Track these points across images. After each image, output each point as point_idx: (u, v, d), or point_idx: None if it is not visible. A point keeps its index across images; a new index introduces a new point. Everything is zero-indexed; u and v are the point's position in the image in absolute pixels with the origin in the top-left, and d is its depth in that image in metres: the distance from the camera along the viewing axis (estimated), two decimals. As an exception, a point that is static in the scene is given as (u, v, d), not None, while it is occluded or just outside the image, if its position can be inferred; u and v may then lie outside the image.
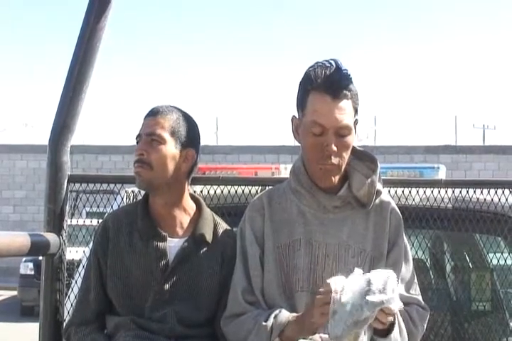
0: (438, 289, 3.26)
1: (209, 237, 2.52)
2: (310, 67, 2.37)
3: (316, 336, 2.22)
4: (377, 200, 2.42)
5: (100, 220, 2.63)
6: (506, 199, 2.87)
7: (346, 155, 2.35)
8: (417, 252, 3.01)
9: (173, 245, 2.49)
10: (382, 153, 17.92)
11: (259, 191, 2.81)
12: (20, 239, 2.41)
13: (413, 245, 2.89)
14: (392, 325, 2.16)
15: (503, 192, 2.85)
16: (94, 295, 2.51)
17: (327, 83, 2.30)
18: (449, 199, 2.92)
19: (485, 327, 3.10)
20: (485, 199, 2.90)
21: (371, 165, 2.43)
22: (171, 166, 2.49)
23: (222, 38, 47.90)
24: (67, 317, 2.74)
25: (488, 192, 2.86)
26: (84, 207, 3.39)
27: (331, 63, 2.33)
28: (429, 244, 3.13)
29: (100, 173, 14.17)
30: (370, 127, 24.45)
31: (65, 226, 2.73)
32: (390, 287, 2.03)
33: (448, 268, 3.38)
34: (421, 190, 2.87)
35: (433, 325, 2.98)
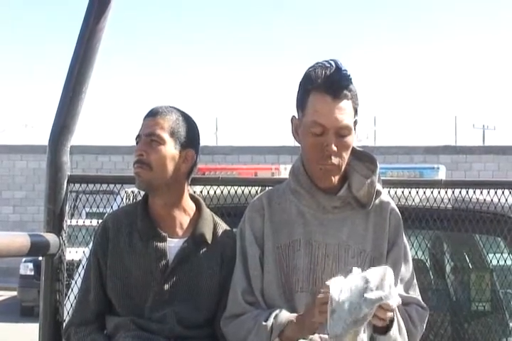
0: (438, 289, 3.27)
1: (209, 238, 2.52)
2: (310, 68, 2.37)
3: (316, 336, 2.22)
4: (376, 201, 2.42)
5: (100, 221, 2.63)
6: (506, 200, 2.87)
7: (346, 155, 2.36)
8: (416, 252, 3.01)
9: (172, 245, 2.49)
10: (382, 153, 17.92)
11: (258, 191, 2.81)
12: (20, 240, 2.41)
13: (413, 245, 2.89)
14: (391, 322, 2.17)
15: (503, 192, 2.85)
16: (93, 295, 2.51)
17: (327, 83, 2.30)
18: (449, 199, 2.92)
19: (485, 327, 3.10)
20: (485, 200, 2.90)
21: (371, 165, 2.43)
22: (170, 167, 2.49)
23: (222, 38, 47.93)
24: (66, 317, 2.74)
25: (488, 192, 2.86)
26: (84, 207, 3.40)
27: (330, 63, 2.34)
28: (428, 245, 3.14)
29: (100, 174, 14.18)
30: (369, 127, 24.47)
31: (64, 226, 2.73)
32: (388, 283, 2.03)
33: (448, 268, 3.38)
34: (421, 191, 2.87)
35: (433, 326, 2.98)
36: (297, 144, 2.43)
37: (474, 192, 2.89)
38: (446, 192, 2.88)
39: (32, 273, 13.21)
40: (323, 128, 2.30)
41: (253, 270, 2.39)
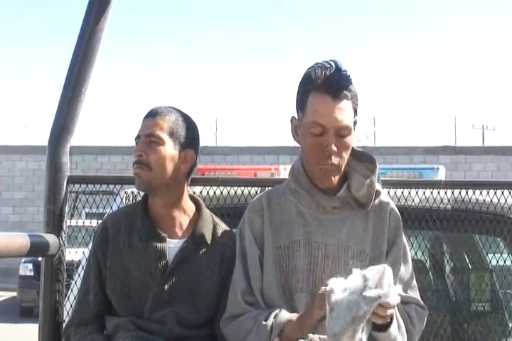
0: (437, 290, 3.27)
1: (208, 238, 2.52)
2: (310, 68, 2.37)
3: (315, 336, 2.22)
4: (376, 201, 2.42)
5: (100, 221, 2.63)
6: (506, 200, 2.87)
7: (346, 155, 2.36)
8: (416, 253, 3.01)
9: (172, 246, 2.49)
10: (382, 153, 17.92)
11: (258, 192, 2.81)
12: (20, 240, 2.41)
13: (412, 246, 2.89)
14: (391, 319, 2.17)
15: (503, 193, 2.85)
16: (93, 295, 2.51)
17: (327, 83, 2.30)
18: (449, 200, 2.92)
19: (484, 327, 3.10)
20: (484, 200, 2.90)
21: (370, 165, 2.43)
22: (170, 167, 2.49)
23: (222, 38, 47.94)
24: (66, 317, 2.74)
25: (488, 193, 2.86)
26: (83, 207, 3.40)
27: (330, 64, 2.34)
28: (428, 245, 3.14)
29: (100, 174, 14.17)
30: (369, 128, 24.48)
31: (64, 227, 2.73)
32: (387, 282, 2.04)
33: (447, 268, 3.38)
34: (420, 191, 2.87)
35: (432, 326, 2.98)
36: (297, 144, 2.43)
37: (474, 192, 2.89)
38: (445, 193, 2.88)
39: (32, 273, 13.21)
40: (323, 129, 2.30)
41: (253, 270, 2.39)
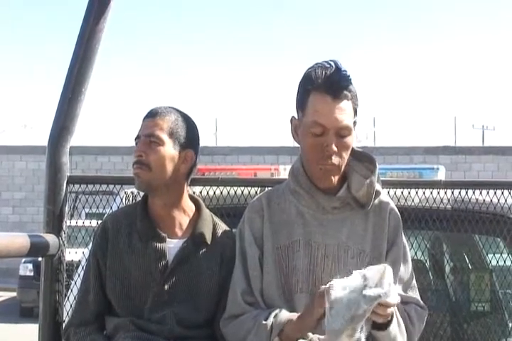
0: (437, 290, 3.27)
1: (208, 238, 2.52)
2: (310, 68, 2.37)
3: (315, 336, 2.22)
4: (376, 201, 2.42)
5: (99, 221, 2.63)
6: (505, 200, 2.87)
7: (346, 155, 2.36)
8: (416, 253, 3.01)
9: (172, 246, 2.49)
10: (382, 154, 17.93)
11: (258, 192, 2.81)
12: (20, 240, 2.42)
13: (412, 246, 2.89)
14: (391, 317, 2.17)
15: (503, 193, 2.85)
16: (93, 296, 2.51)
17: (327, 83, 2.31)
18: (449, 200, 2.92)
19: (484, 327, 3.10)
20: (484, 200, 2.90)
21: (370, 165, 2.43)
22: (169, 167, 2.49)
23: (222, 38, 47.93)
24: (66, 318, 2.74)
25: (488, 193, 2.86)
26: (83, 208, 3.40)
27: (330, 64, 2.34)
28: (428, 245, 3.14)
29: (99, 174, 14.17)
30: (369, 128, 24.47)
31: (64, 227, 2.73)
32: (387, 281, 2.04)
33: (447, 268, 3.38)
34: (420, 191, 2.87)
35: (432, 326, 2.98)
36: (296, 145, 2.43)
37: (474, 192, 2.89)
38: (445, 193, 2.88)
39: (31, 273, 13.22)
40: (323, 129, 2.30)
41: (252, 270, 2.39)
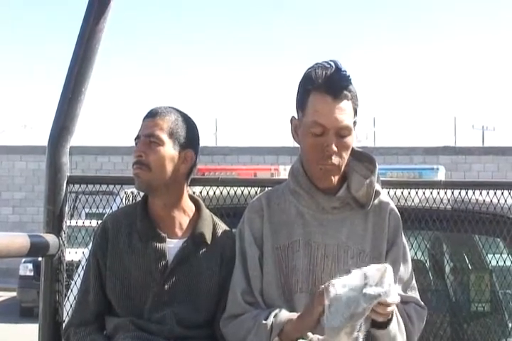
0: (437, 290, 3.27)
1: (208, 238, 2.52)
2: (310, 68, 2.37)
3: (315, 336, 2.22)
4: (375, 201, 2.43)
5: (99, 221, 2.64)
6: (505, 201, 2.87)
7: (346, 155, 2.36)
8: (416, 253, 3.01)
9: (172, 246, 2.49)
10: (382, 154, 17.93)
11: (258, 192, 2.81)
12: (20, 240, 2.41)
13: (412, 246, 2.89)
14: (390, 317, 2.17)
15: (502, 193, 2.85)
16: (93, 296, 2.51)
17: (328, 83, 2.31)
18: (449, 200, 2.92)
19: (484, 328, 3.10)
20: (484, 201, 2.91)
21: (370, 165, 2.43)
22: (169, 167, 2.49)
23: (222, 38, 47.86)
24: (66, 318, 2.74)
25: (488, 193, 2.87)
26: (83, 208, 3.40)
27: (330, 64, 2.34)
28: (428, 245, 3.14)
29: (99, 174, 14.17)
30: (369, 128, 24.45)
31: (64, 227, 2.73)
32: (387, 280, 2.05)
33: (447, 269, 3.38)
34: (420, 191, 2.87)
35: (432, 326, 2.98)
36: (296, 145, 2.43)
37: (474, 192, 2.89)
38: (445, 193, 2.88)
39: (31, 273, 13.22)
40: (323, 129, 2.31)
41: (252, 270, 2.39)
